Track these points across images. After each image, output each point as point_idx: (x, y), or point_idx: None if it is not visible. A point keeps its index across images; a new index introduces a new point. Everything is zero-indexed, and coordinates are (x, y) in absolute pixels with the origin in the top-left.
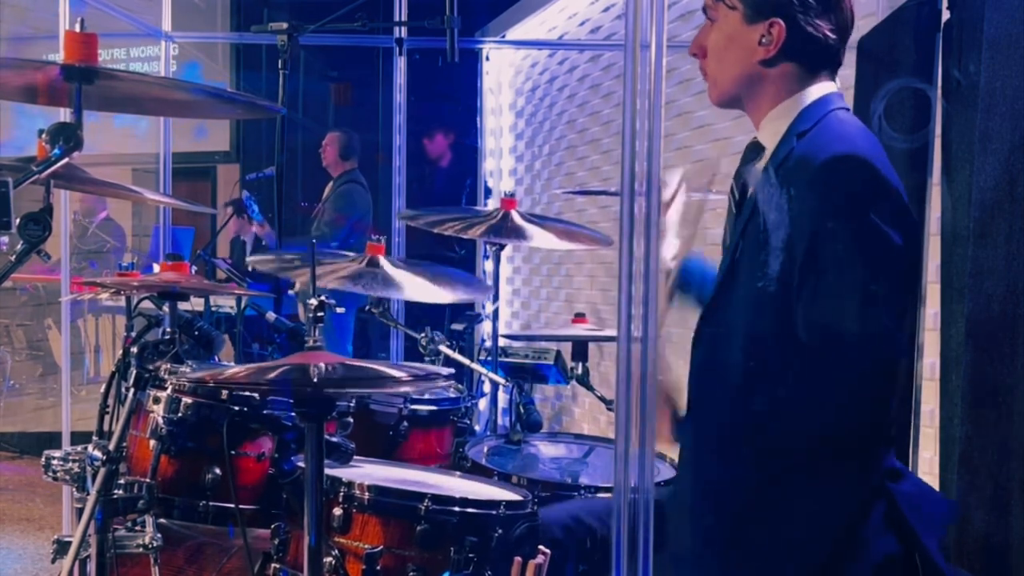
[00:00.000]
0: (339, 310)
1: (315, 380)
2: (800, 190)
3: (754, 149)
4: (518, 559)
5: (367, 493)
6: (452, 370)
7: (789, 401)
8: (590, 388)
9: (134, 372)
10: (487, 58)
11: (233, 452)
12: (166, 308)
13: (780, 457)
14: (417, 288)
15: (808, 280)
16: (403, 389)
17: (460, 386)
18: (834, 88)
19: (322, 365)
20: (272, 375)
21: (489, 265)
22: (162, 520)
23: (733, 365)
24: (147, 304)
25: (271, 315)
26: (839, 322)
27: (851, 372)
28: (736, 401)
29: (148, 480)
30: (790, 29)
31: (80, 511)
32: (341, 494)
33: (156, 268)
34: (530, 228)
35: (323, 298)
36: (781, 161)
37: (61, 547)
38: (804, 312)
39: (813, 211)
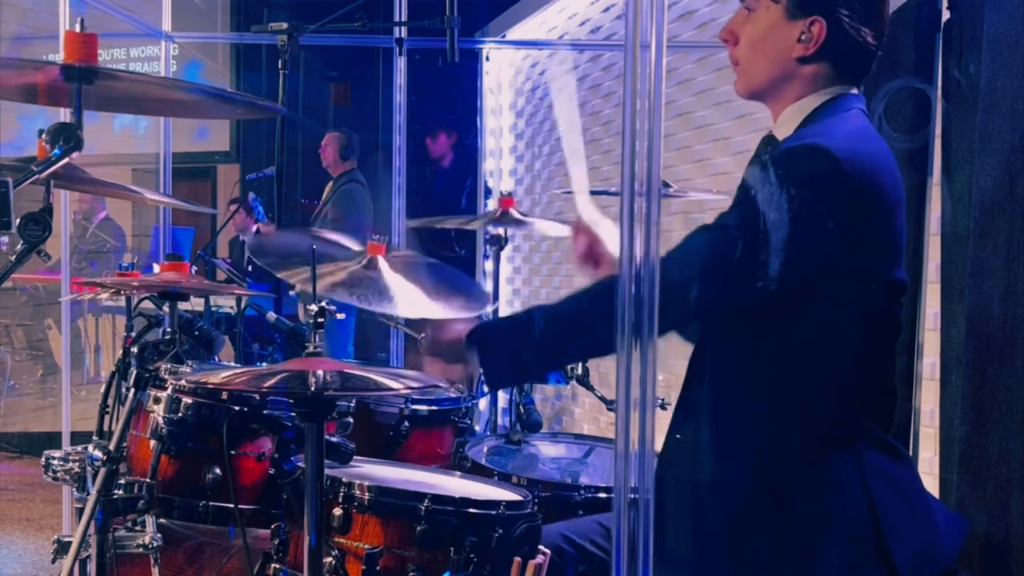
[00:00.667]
0: (340, 316)
1: (312, 389)
2: (754, 174)
3: (768, 143)
4: (518, 559)
5: (367, 493)
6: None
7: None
8: (590, 388)
9: (134, 372)
10: (487, 58)
11: (233, 452)
12: (166, 308)
13: (765, 430)
14: (412, 301)
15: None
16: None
17: (460, 386)
18: (854, 91)
19: (320, 373)
20: (271, 382)
21: (489, 265)
22: (162, 520)
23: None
24: (147, 304)
25: (271, 315)
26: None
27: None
28: (716, 376)
29: (148, 480)
30: (831, 29)
31: (80, 511)
32: (341, 494)
33: (156, 268)
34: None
35: (324, 304)
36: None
37: (61, 547)
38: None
39: (756, 192)
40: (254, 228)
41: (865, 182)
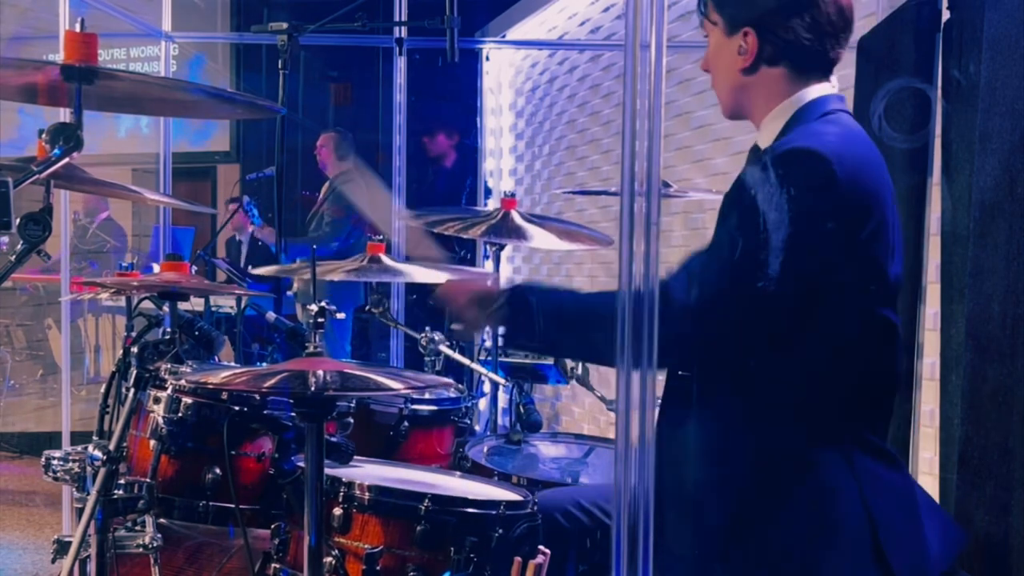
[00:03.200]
0: (339, 316)
1: (312, 389)
2: (754, 176)
3: (754, 152)
4: (518, 559)
5: (367, 493)
6: (451, 381)
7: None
8: (590, 388)
9: (134, 372)
10: (487, 58)
11: (233, 452)
12: (166, 308)
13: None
14: (420, 273)
15: (735, 247)
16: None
17: (460, 386)
18: (831, 89)
19: (320, 373)
20: (271, 382)
21: (489, 265)
22: (162, 520)
23: None
24: (147, 304)
25: (271, 315)
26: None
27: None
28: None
29: (148, 480)
30: (761, 37)
31: (80, 511)
32: (341, 494)
33: (156, 268)
34: (530, 228)
35: (323, 304)
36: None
37: (61, 547)
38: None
39: (756, 193)
40: (251, 230)
41: (857, 184)
